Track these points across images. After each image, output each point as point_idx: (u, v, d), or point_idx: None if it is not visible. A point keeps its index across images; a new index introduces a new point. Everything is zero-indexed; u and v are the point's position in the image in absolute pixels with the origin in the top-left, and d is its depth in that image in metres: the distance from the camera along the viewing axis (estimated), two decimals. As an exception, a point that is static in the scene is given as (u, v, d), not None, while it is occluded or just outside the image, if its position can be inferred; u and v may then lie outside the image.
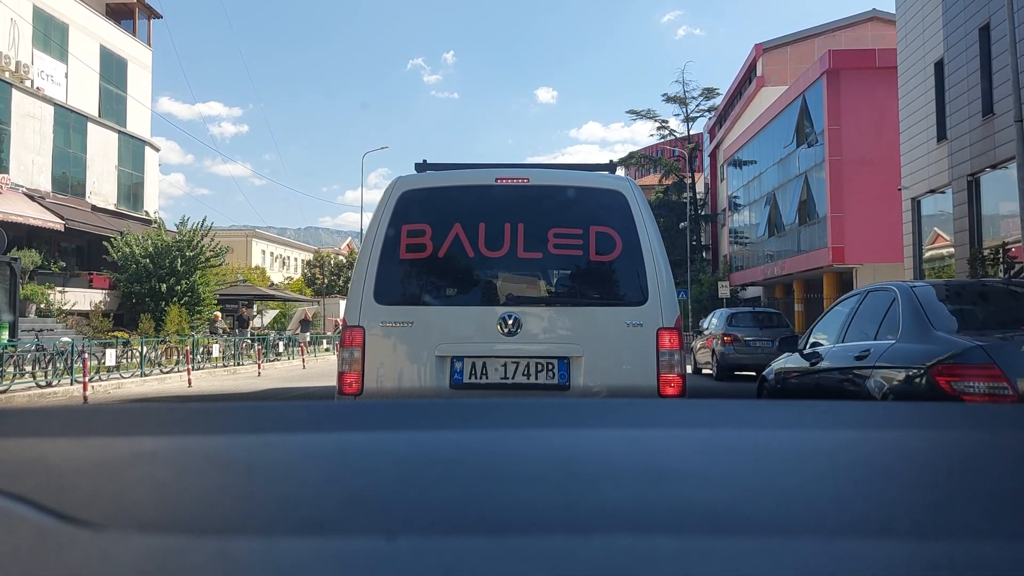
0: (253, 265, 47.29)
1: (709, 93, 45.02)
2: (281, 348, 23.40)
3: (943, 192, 17.76)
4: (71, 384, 13.10)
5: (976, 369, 4.25)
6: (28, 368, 13.11)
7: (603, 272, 4.19)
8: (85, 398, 12.20)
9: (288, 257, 60.19)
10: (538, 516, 0.55)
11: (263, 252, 55.07)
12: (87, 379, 12.55)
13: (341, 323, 4.34)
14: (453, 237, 4.05)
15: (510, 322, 3.95)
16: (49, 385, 12.89)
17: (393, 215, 4.09)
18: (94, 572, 0.48)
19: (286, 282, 48.13)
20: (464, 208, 4.18)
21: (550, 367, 3.96)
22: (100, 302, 23.92)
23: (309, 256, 54.12)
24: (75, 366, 13.36)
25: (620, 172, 4.85)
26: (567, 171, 4.67)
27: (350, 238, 78.41)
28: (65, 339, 15.13)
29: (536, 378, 3.96)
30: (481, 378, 3.95)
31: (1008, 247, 14.39)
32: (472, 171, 4.44)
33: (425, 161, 4.68)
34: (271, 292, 32.91)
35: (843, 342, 5.50)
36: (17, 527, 0.54)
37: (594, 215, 4.15)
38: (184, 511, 0.58)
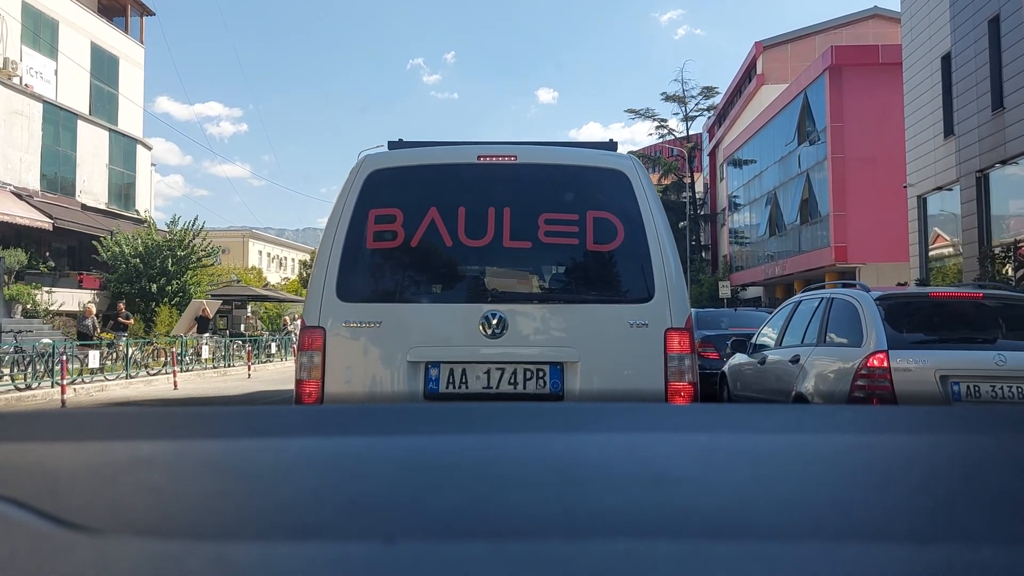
0: (249, 266, 46.94)
1: (708, 92, 44.83)
2: (273, 349, 23.01)
3: (950, 189, 17.36)
4: (52, 387, 12.64)
5: (706, 344, 9.69)
6: (6, 371, 12.69)
7: (602, 264, 3.70)
8: (63, 401, 11.76)
9: (285, 258, 59.86)
10: (536, 521, 0.55)
11: (259, 253, 54.72)
12: (65, 382, 12.11)
13: (299, 323, 3.87)
14: (428, 224, 3.55)
15: (494, 322, 3.47)
16: (28, 388, 12.47)
17: (359, 198, 3.58)
18: None
19: (283, 283, 47.78)
20: (441, 190, 3.69)
21: (540, 374, 3.49)
22: (89, 302, 23.50)
23: (306, 257, 53.75)
24: (56, 368, 12.92)
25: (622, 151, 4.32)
26: (561, 148, 4.07)
27: (348, 239, 77.86)
28: (46, 340, 14.69)
29: (524, 387, 3.47)
30: (460, 387, 3.47)
31: (1020, 244, 13.99)
32: (450, 148, 3.91)
33: (401, 140, 4.20)
34: (265, 292, 32.49)
35: None
36: (13, 532, 0.54)
37: (592, 198, 3.65)
38: (181, 516, 0.58)
